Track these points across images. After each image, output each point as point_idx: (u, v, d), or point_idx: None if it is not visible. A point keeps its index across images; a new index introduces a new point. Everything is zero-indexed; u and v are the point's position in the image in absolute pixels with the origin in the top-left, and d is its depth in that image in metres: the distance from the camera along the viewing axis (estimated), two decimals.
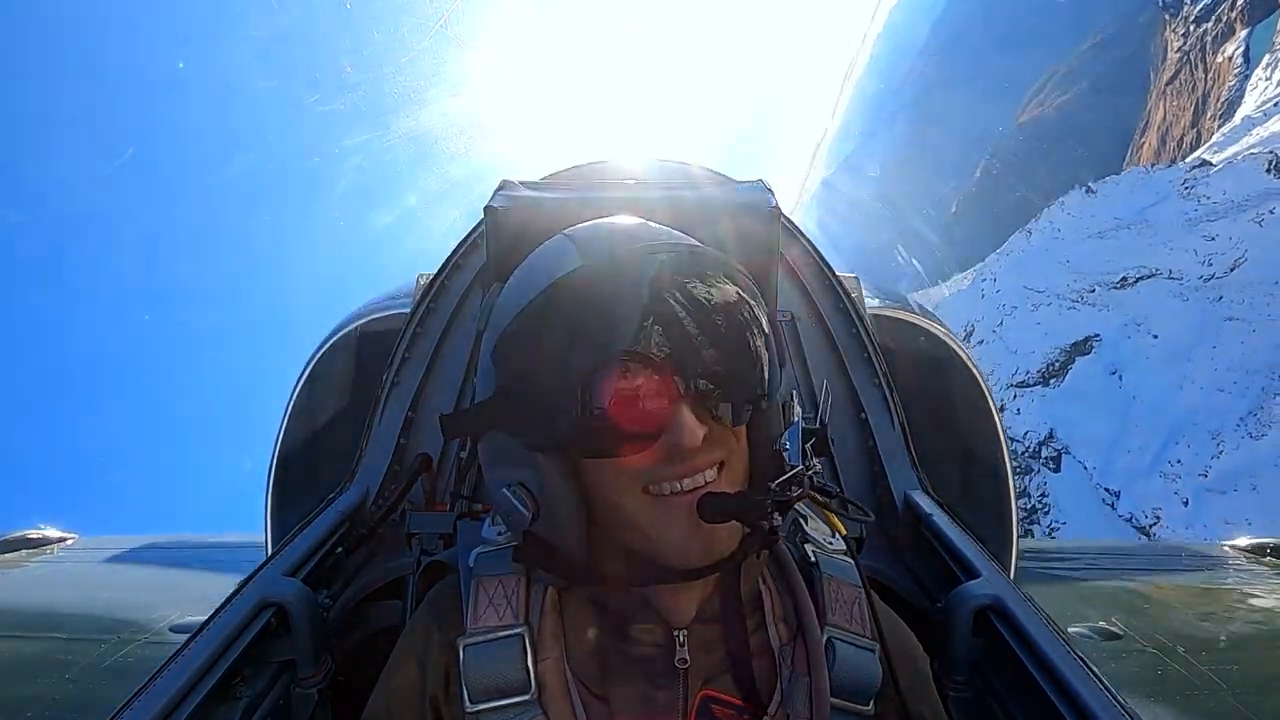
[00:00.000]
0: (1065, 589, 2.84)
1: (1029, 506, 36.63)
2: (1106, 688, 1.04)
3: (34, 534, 3.39)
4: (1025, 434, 37.23)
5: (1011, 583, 1.30)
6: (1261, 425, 31.41)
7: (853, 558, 0.99)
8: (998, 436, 1.98)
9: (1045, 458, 36.67)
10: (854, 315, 1.80)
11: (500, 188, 1.45)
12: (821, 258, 1.87)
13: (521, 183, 1.51)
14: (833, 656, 0.86)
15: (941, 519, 1.50)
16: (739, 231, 1.26)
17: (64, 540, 3.43)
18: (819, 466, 0.84)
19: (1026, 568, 1.96)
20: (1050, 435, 36.95)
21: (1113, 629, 2.26)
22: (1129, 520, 33.06)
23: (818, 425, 0.93)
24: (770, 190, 1.42)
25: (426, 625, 0.94)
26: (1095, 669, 1.08)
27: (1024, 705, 1.16)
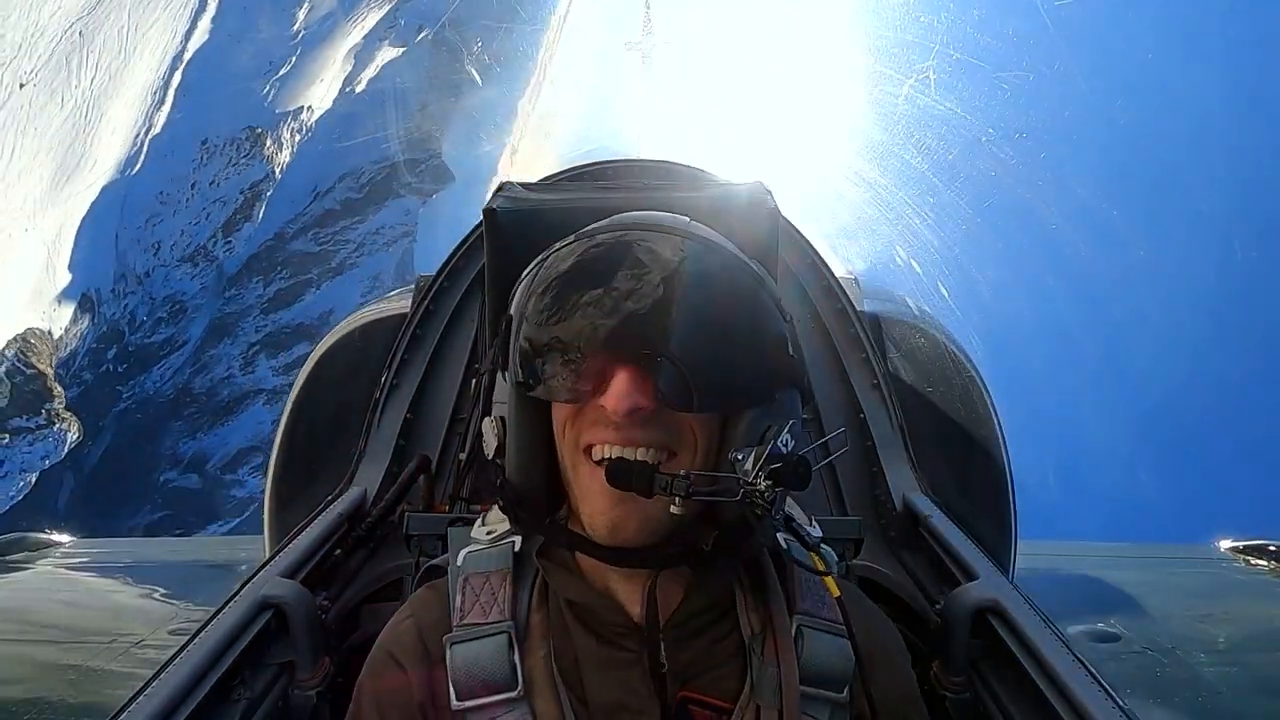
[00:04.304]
0: (1064, 590, 2.84)
1: None
2: (1105, 689, 1.04)
3: (28, 537, 3.37)
4: None
5: (1010, 584, 1.30)
6: None
7: (825, 543, 0.99)
8: (997, 438, 1.98)
9: None
10: (852, 317, 1.80)
11: (499, 189, 1.46)
12: (820, 259, 1.87)
13: (521, 184, 1.51)
14: (801, 645, 0.87)
15: (940, 520, 1.50)
16: (737, 232, 1.26)
17: (59, 543, 3.41)
18: (764, 489, 0.76)
19: (1025, 569, 1.95)
20: None
21: (1111, 630, 2.26)
22: None
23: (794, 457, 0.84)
24: (769, 191, 1.42)
25: (407, 625, 0.93)
26: (1094, 670, 1.08)
27: (1023, 706, 1.16)
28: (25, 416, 32.57)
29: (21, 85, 31.55)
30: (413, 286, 1.95)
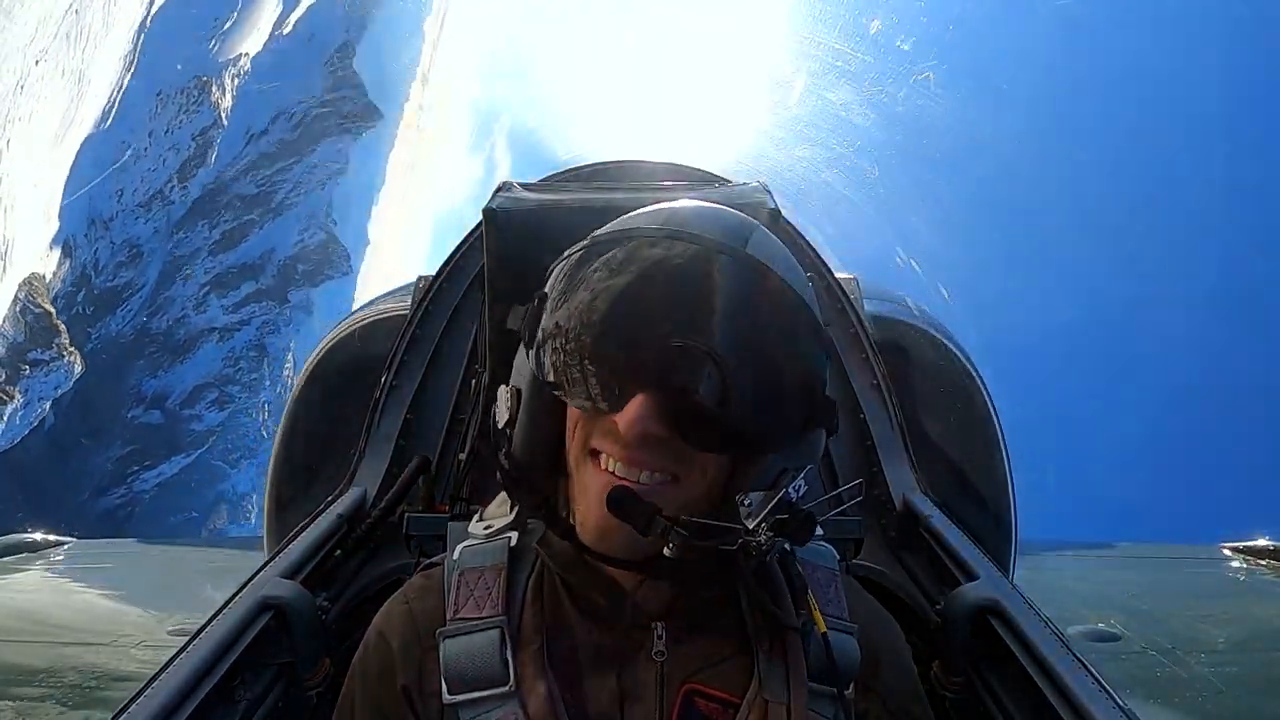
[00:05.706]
0: (1064, 590, 2.85)
1: None
2: (1105, 689, 1.04)
3: (29, 538, 3.38)
4: None
5: (1010, 584, 1.30)
6: None
7: (828, 542, 0.99)
8: (997, 437, 1.98)
9: None
10: (852, 317, 1.80)
11: (499, 189, 1.46)
12: (820, 259, 1.87)
13: (520, 184, 1.51)
14: (808, 641, 0.86)
15: (940, 520, 1.50)
16: None
17: (59, 544, 3.42)
18: (764, 540, 0.76)
19: (1025, 569, 1.96)
20: None
21: (1111, 630, 2.26)
22: None
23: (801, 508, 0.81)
24: (769, 191, 1.42)
25: (401, 609, 0.93)
26: (1094, 670, 1.08)
27: (1022, 706, 1.16)
28: (40, 350, 35.28)
29: (37, 62, 36.54)
30: (412, 287, 1.95)
